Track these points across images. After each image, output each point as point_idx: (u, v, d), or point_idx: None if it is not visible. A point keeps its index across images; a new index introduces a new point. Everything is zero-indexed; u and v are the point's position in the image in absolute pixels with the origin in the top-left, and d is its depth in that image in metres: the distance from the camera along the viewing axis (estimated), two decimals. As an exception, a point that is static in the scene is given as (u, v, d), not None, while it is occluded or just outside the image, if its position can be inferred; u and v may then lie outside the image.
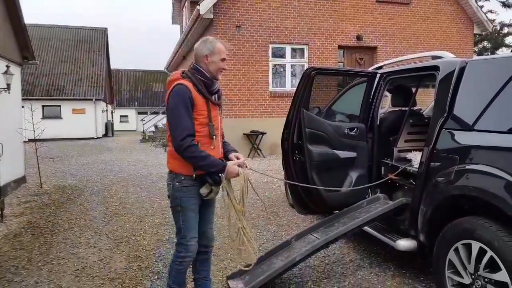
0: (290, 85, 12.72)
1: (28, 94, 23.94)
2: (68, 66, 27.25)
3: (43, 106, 24.72)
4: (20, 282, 3.54)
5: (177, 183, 2.60)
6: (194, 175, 2.56)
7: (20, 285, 3.49)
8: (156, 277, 3.62)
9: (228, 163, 2.59)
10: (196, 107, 2.51)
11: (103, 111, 28.20)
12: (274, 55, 12.63)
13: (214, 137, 2.60)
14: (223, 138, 2.85)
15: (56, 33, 29.04)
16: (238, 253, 2.85)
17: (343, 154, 4.20)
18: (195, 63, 2.65)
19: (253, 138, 11.99)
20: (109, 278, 3.61)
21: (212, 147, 2.59)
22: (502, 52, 25.61)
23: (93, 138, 25.43)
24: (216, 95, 2.67)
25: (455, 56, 3.73)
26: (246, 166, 2.71)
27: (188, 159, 2.49)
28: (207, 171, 2.54)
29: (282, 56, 12.77)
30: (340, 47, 13.24)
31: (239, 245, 2.76)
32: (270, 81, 12.55)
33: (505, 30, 26.16)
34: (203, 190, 2.58)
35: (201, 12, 11.47)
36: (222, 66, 2.64)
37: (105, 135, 28.55)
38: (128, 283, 3.49)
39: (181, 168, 2.57)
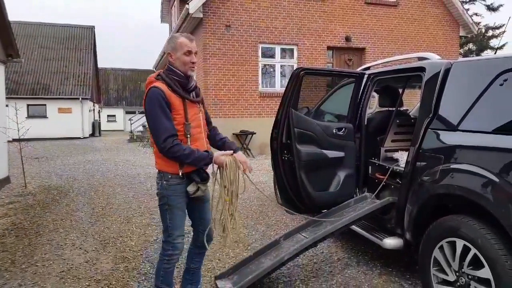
0: (279, 85, 12.76)
1: (12, 92, 23.66)
2: (54, 65, 26.93)
3: (28, 105, 24.42)
4: (3, 285, 3.47)
5: (164, 182, 2.61)
6: (180, 173, 2.57)
7: None
8: (143, 278, 3.60)
9: (215, 153, 2.57)
10: (172, 107, 2.49)
11: (90, 111, 27.94)
12: (264, 55, 12.66)
13: (189, 136, 2.56)
14: (210, 132, 2.85)
15: (42, 30, 28.69)
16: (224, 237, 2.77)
17: (331, 153, 4.22)
18: (168, 63, 2.62)
19: (243, 138, 11.99)
20: (95, 279, 3.57)
21: (189, 144, 2.56)
22: (487, 54, 25.99)
23: (79, 138, 25.18)
24: (193, 93, 2.64)
25: (440, 58, 3.78)
26: (250, 170, 2.65)
27: (173, 159, 2.51)
28: (196, 167, 2.56)
29: (272, 56, 12.80)
30: (329, 48, 13.33)
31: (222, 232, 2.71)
32: (260, 81, 12.57)
33: (490, 32, 26.54)
34: (190, 188, 2.60)
35: (190, 11, 11.44)
36: (188, 60, 2.54)
37: (92, 135, 28.29)
38: (114, 284, 3.46)
39: (167, 167, 2.58)
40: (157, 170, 2.68)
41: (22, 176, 8.20)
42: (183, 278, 3.05)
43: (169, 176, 2.59)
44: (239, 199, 2.70)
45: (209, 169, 2.70)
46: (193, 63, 2.56)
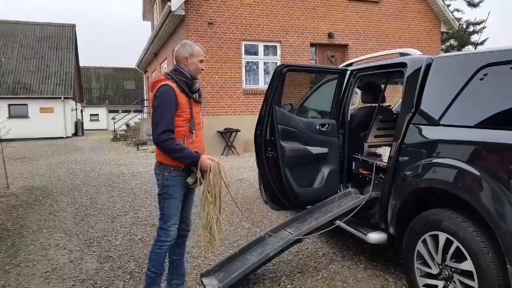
0: (263, 83, 12.75)
1: (-7, 92, 23.21)
2: (35, 64, 26.43)
3: (9, 105, 24.00)
4: (-13, 286, 3.43)
5: (166, 173, 2.81)
6: (182, 166, 2.77)
7: (-14, 289, 3.39)
8: (128, 276, 3.58)
9: (202, 156, 2.75)
10: (180, 106, 2.73)
11: (72, 110, 27.54)
12: (247, 52, 12.64)
13: (194, 132, 2.81)
14: None
15: (21, 29, 28.08)
16: (206, 239, 2.97)
17: (315, 150, 4.25)
18: (176, 65, 2.89)
19: (227, 135, 11.97)
20: (80, 279, 3.54)
21: (190, 141, 2.80)
22: (468, 49, 26.40)
23: (62, 137, 24.83)
24: (197, 94, 2.92)
25: (422, 53, 3.83)
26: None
27: (165, 151, 2.72)
28: (182, 163, 2.75)
29: (255, 53, 12.79)
30: (312, 44, 13.37)
31: (206, 234, 2.91)
32: (243, 79, 12.55)
33: (471, 28, 26.98)
34: (190, 180, 2.79)
35: (172, 9, 11.36)
36: (201, 66, 2.88)
37: (75, 134, 27.92)
38: (99, 284, 3.44)
39: (169, 160, 2.77)
40: (157, 162, 2.89)
41: (4, 177, 8.05)
42: (168, 272, 3.13)
43: (171, 168, 2.79)
44: (223, 201, 2.91)
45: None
46: (202, 69, 2.93)
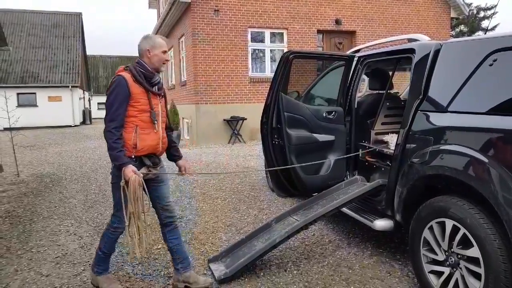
0: (269, 70, 12.66)
1: (1, 81, 23.46)
2: (42, 53, 26.53)
3: (17, 94, 24.21)
4: (0, 271, 3.50)
5: None
6: (133, 156, 2.78)
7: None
8: (137, 262, 3.63)
9: (129, 165, 2.69)
10: (133, 96, 2.75)
11: (80, 98, 27.68)
12: (253, 39, 12.54)
13: (156, 122, 2.84)
14: (168, 129, 3.09)
15: (28, 18, 28.12)
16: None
17: (321, 137, 4.25)
18: (139, 58, 2.91)
19: (233, 124, 11.96)
20: (90, 264, 3.58)
21: (155, 131, 2.85)
22: (478, 35, 26.01)
23: (70, 126, 25.03)
24: (156, 87, 2.92)
25: (430, 39, 3.78)
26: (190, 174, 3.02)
27: (106, 141, 2.73)
28: (111, 159, 2.76)
29: (262, 40, 12.69)
30: (319, 31, 13.23)
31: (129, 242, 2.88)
32: (250, 66, 12.48)
33: (481, 14, 26.57)
34: (142, 171, 2.80)
35: (179, -4, 11.29)
36: (164, 57, 2.91)
37: (83, 122, 28.11)
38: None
39: None
40: None
41: (14, 165, 8.16)
42: (171, 258, 3.20)
43: None
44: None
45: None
46: (167, 60, 2.96)
